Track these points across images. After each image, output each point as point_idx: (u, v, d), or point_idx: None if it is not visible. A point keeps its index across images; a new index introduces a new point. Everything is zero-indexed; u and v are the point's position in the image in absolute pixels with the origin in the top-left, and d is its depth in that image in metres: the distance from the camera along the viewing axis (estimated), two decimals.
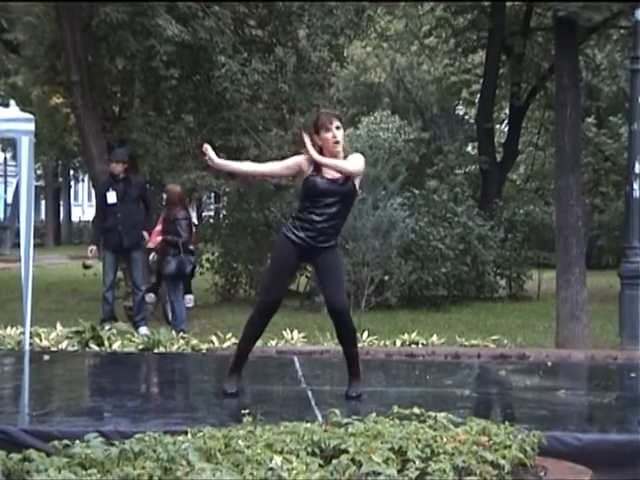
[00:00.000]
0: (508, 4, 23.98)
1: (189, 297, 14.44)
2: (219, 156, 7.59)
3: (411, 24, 30.45)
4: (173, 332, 11.14)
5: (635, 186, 12.06)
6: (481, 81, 25.68)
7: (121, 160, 12.81)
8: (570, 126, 12.26)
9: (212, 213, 24.05)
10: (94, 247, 12.73)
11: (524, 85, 24.80)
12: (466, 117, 38.80)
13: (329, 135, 6.89)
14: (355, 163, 6.93)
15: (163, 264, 12.59)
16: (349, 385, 7.17)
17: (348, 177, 6.93)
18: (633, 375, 9.50)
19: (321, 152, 6.94)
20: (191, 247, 13.95)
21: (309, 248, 6.95)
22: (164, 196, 12.86)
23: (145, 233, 12.86)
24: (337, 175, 6.92)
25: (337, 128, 6.93)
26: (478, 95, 27.10)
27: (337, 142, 6.92)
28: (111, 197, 12.61)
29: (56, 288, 20.43)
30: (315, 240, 6.94)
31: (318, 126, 6.94)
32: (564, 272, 12.08)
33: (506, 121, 29.54)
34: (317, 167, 6.92)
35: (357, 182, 7.05)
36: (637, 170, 12.07)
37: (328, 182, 6.91)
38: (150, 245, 12.92)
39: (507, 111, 28.35)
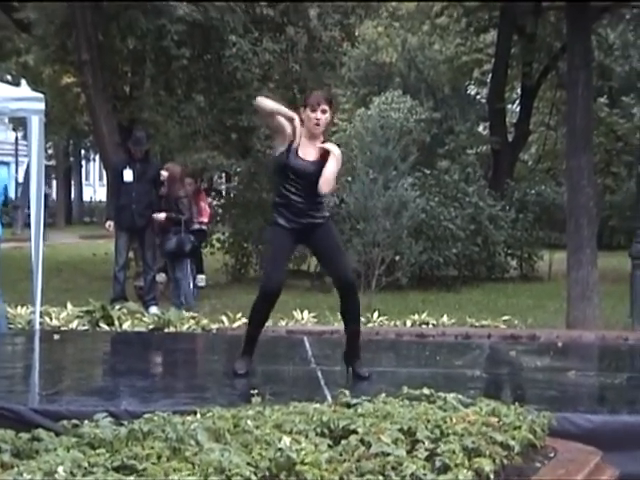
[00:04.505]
0: None
1: (201, 277, 14.47)
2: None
3: (422, 3, 30.29)
4: (183, 312, 11.14)
5: None
6: (493, 61, 25.60)
7: (142, 147, 12.79)
8: (582, 106, 12.20)
9: (223, 193, 24.04)
10: (111, 222, 12.74)
11: (536, 65, 24.73)
12: (478, 97, 38.69)
13: (312, 115, 6.88)
14: (337, 161, 6.87)
15: (164, 241, 12.67)
16: (355, 365, 7.13)
17: (323, 157, 6.89)
18: None
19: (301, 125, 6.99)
20: (203, 226, 13.97)
21: (301, 229, 6.93)
22: (164, 174, 12.74)
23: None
24: (312, 157, 6.89)
25: (323, 111, 6.90)
26: (490, 75, 27.02)
27: (317, 124, 6.89)
28: (127, 175, 12.60)
29: (67, 267, 20.46)
30: (303, 218, 6.92)
31: (306, 102, 6.97)
32: (575, 253, 12.04)
33: (518, 101, 29.42)
34: (295, 146, 6.89)
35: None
36: None
37: (304, 163, 6.87)
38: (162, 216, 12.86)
39: (519, 91, 28.26)
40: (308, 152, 6.89)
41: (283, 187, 6.93)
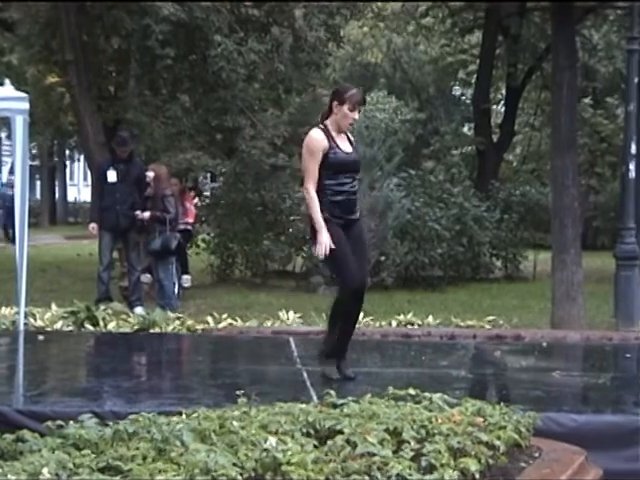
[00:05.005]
0: None
1: (186, 277, 14.44)
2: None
3: (407, 4, 30.32)
4: (169, 312, 11.11)
5: (631, 167, 12.07)
6: (477, 62, 25.65)
7: (127, 147, 12.74)
8: (566, 107, 12.23)
9: (208, 193, 24.04)
10: (95, 225, 12.68)
11: (521, 66, 24.78)
12: (463, 98, 38.75)
13: (350, 114, 6.88)
14: None
15: (149, 241, 12.62)
16: (342, 365, 7.12)
17: (352, 147, 7.03)
18: (628, 356, 9.54)
19: (328, 115, 6.94)
20: (188, 227, 13.94)
21: (343, 225, 6.94)
22: (150, 174, 12.71)
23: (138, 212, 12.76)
24: (349, 148, 6.98)
25: (358, 112, 7.01)
26: (474, 76, 27.07)
27: (351, 124, 6.99)
28: (111, 176, 12.54)
29: (51, 268, 20.39)
30: (349, 214, 6.96)
31: (346, 97, 6.86)
32: (560, 253, 12.07)
33: (503, 102, 29.49)
34: (334, 141, 6.88)
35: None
36: (633, 151, 12.07)
37: (347, 155, 6.94)
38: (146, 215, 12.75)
39: (504, 92, 28.31)
40: (345, 144, 6.96)
41: (334, 184, 6.85)
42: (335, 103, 6.90)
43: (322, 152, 6.80)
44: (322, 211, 6.81)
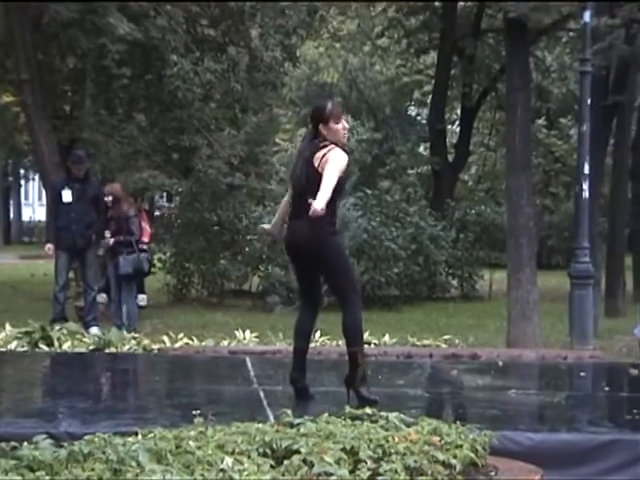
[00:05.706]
0: (459, 5, 24.17)
1: (142, 296, 14.34)
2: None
3: (363, 25, 30.49)
4: (124, 332, 11.04)
5: (585, 187, 12.19)
6: (433, 82, 25.81)
7: (82, 166, 12.65)
8: (521, 127, 12.36)
9: (165, 212, 23.95)
10: (51, 245, 12.57)
11: (475, 86, 24.98)
12: (418, 118, 38.95)
13: (340, 126, 6.78)
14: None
15: (117, 264, 12.48)
16: (303, 381, 7.10)
17: None
18: (583, 374, 9.62)
19: (316, 135, 6.79)
20: (144, 246, 13.86)
21: None
22: (109, 198, 12.62)
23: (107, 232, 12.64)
24: None
25: (345, 120, 6.93)
26: (430, 96, 27.24)
27: (345, 134, 6.89)
28: (66, 196, 12.45)
29: (5, 288, 20.18)
30: None
31: (328, 115, 6.74)
32: (515, 272, 12.16)
33: (458, 122, 29.71)
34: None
35: None
36: (586, 171, 12.19)
37: None
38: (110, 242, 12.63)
39: (459, 112, 28.52)
40: None
41: (337, 204, 6.82)
42: (321, 125, 6.75)
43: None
44: (333, 225, 6.78)
